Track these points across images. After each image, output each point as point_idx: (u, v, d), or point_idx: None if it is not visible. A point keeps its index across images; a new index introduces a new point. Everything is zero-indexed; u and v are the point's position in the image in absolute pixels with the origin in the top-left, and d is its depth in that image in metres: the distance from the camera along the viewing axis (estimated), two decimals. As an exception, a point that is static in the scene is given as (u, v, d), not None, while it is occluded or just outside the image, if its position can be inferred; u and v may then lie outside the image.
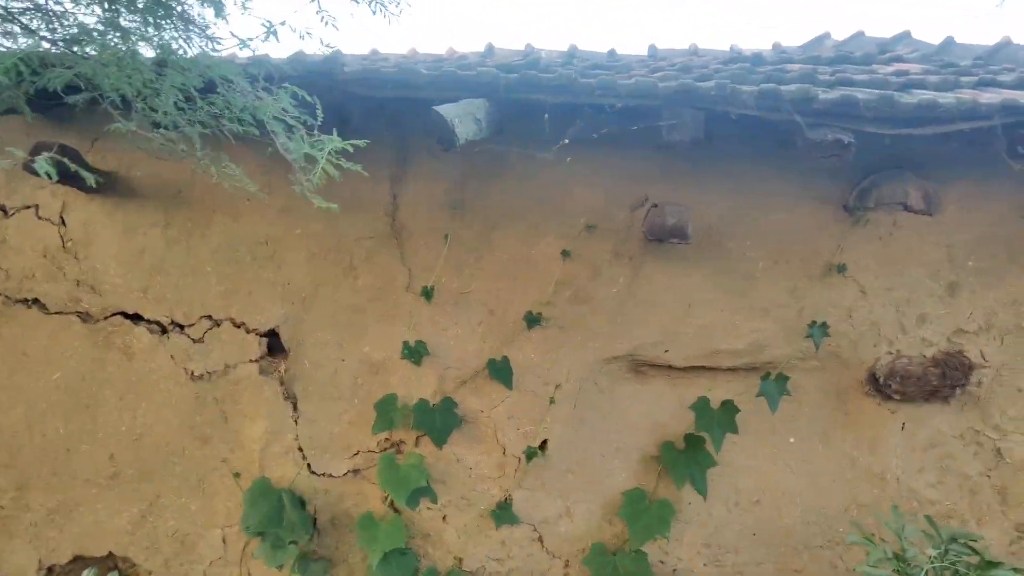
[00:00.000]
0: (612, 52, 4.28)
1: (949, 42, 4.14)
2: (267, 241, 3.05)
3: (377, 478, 2.90)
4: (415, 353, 2.97)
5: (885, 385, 3.01)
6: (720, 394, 3.15)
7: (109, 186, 2.98)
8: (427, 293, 2.99)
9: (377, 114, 2.97)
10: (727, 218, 3.05)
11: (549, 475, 3.09)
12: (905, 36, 4.30)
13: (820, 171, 3.00)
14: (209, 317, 3.03)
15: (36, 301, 3.02)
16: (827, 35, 4.72)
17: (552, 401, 3.04)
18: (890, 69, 3.16)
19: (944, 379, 2.94)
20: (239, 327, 3.03)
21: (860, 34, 4.58)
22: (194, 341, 3.01)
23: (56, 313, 3.02)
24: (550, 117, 2.57)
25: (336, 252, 3.05)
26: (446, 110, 2.18)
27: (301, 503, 2.97)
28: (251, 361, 3.01)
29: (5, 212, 3.03)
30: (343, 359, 3.06)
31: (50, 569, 3.16)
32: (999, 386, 3.01)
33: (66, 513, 3.09)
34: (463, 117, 2.24)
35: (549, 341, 3.10)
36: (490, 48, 3.93)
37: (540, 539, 3.11)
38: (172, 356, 3.00)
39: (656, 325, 3.11)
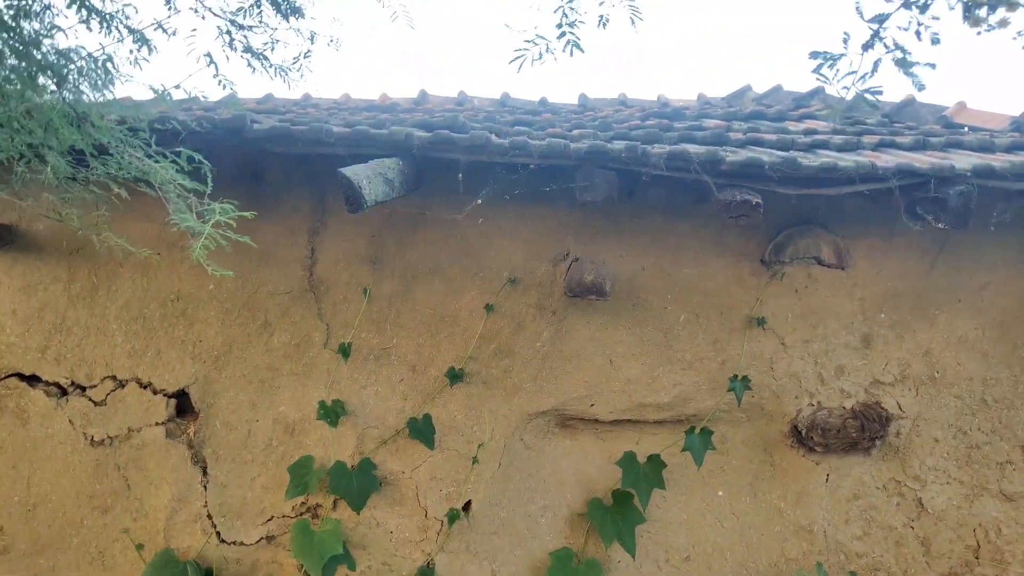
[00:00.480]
0: (543, 100, 4.36)
1: (858, 98, 4.34)
2: (178, 297, 2.93)
3: (291, 546, 2.76)
4: (331, 413, 2.87)
5: (807, 437, 3.02)
6: (648, 448, 3.12)
7: (8, 240, 2.85)
8: (344, 350, 2.91)
9: (295, 168, 2.93)
10: (648, 272, 3.07)
11: (473, 537, 2.99)
12: (819, 91, 4.49)
13: (732, 227, 3.05)
14: (113, 378, 2.88)
15: (-78, 363, 2.84)
16: (748, 87, 4.91)
17: (475, 461, 2.96)
18: (800, 127, 3.28)
19: (863, 431, 2.97)
20: (146, 388, 2.89)
21: (778, 88, 4.77)
22: (95, 404, 2.85)
23: (-58, 375, 2.83)
24: (468, 172, 2.56)
25: (250, 308, 2.96)
26: (353, 171, 2.14)
27: (208, 575, 2.79)
28: (157, 424, 2.87)
29: None
30: (257, 420, 2.94)
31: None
32: (917, 436, 3.06)
33: (-52, 594, 2.84)
34: (372, 177, 2.20)
35: (473, 398, 3.03)
36: (423, 95, 3.96)
37: (464, 606, 2.98)
38: (71, 420, 2.84)
39: (581, 379, 3.09)
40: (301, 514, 2.93)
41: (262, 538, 2.90)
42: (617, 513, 3.04)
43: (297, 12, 2.60)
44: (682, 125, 3.21)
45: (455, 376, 2.97)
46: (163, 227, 2.90)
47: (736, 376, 3.01)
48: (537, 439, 3.13)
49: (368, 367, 2.99)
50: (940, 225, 2.53)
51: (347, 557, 2.86)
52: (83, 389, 2.87)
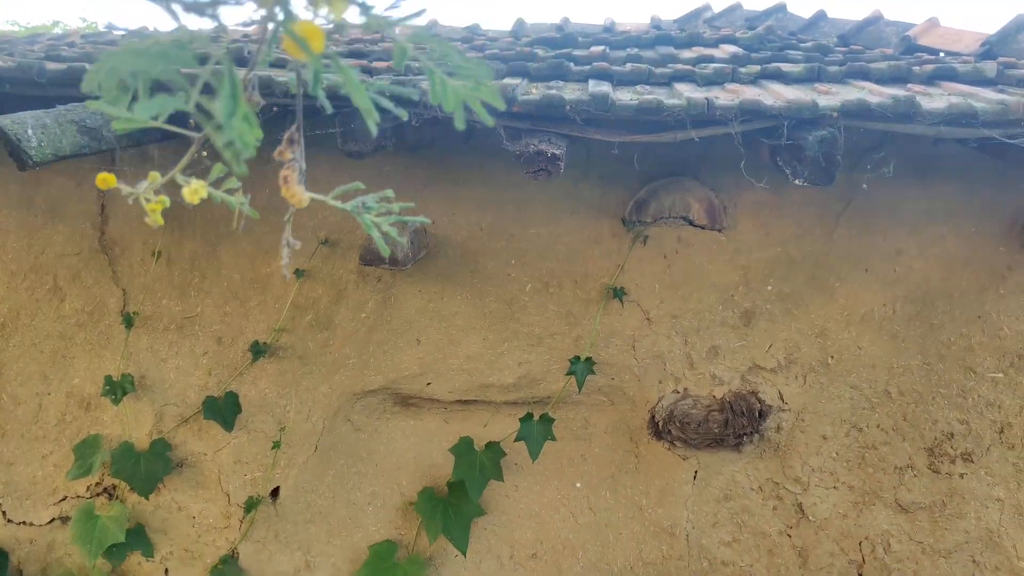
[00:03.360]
0: (473, 27, 3.81)
1: (820, 16, 3.65)
2: (-39, 258, 2.66)
3: (71, 531, 2.53)
4: (118, 388, 2.57)
5: (664, 430, 2.58)
6: (499, 431, 2.74)
7: None
8: (128, 320, 2.59)
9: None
10: (487, 232, 2.61)
11: (283, 526, 2.70)
12: (780, 9, 3.80)
13: (591, 178, 2.55)
14: None
15: None
16: (706, 7, 4.23)
17: (276, 445, 2.64)
18: (689, 54, 2.68)
19: (727, 427, 2.50)
20: (-77, 357, 2.66)
21: (737, 7, 4.09)
22: None
23: None
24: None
25: (37, 271, 2.66)
26: (17, 119, 1.75)
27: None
28: (-68, 397, 2.65)
29: None
30: (49, 393, 2.68)
31: None
32: (801, 432, 2.57)
33: None
34: (51, 126, 1.81)
35: (286, 374, 2.69)
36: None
37: (277, 598, 2.73)
38: None
39: (414, 355, 2.70)
40: (97, 494, 2.69)
41: (55, 519, 2.69)
42: (450, 505, 2.69)
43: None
44: (549, 55, 2.66)
45: (259, 351, 2.62)
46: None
47: (578, 357, 2.56)
48: (370, 419, 2.78)
49: (169, 338, 2.67)
50: (797, 180, 1.98)
51: (143, 543, 2.63)
52: None
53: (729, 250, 2.55)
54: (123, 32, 3.40)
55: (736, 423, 2.48)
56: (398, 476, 2.80)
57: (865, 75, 2.33)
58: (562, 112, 1.97)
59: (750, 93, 2.04)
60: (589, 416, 2.76)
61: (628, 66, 2.37)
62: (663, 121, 1.97)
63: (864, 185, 2.35)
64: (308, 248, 2.64)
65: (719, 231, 2.52)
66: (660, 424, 2.57)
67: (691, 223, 2.52)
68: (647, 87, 2.23)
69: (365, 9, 0.59)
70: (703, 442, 2.56)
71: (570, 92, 2.02)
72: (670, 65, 2.40)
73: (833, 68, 2.33)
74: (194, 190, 0.66)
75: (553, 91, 1.98)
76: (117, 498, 2.68)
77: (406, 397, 2.78)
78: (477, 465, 2.66)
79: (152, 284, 2.66)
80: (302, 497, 2.71)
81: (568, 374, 2.57)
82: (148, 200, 0.70)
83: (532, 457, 2.58)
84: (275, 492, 2.70)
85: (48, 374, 2.68)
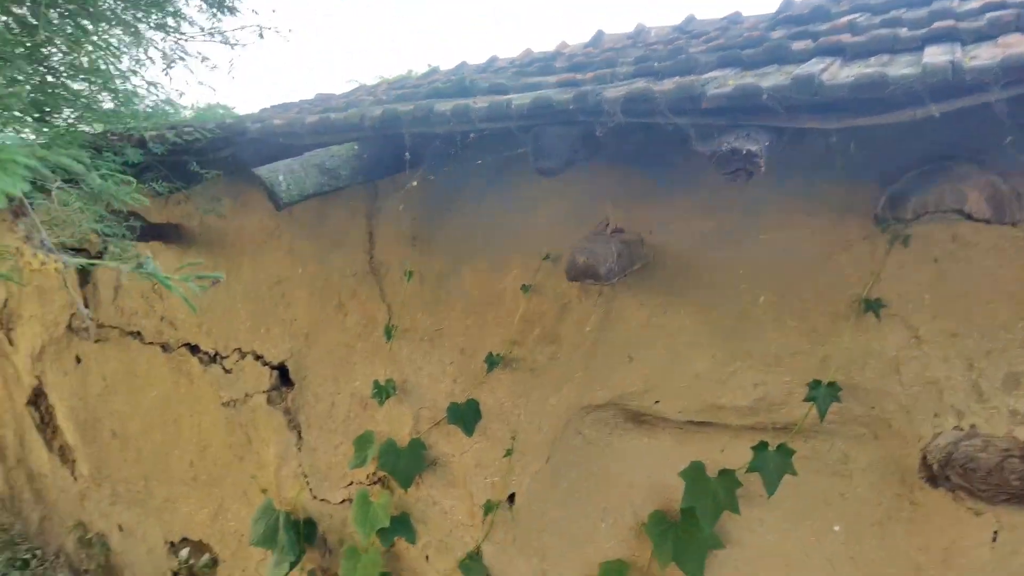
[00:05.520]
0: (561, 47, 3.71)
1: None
2: (279, 281, 3.30)
3: (351, 512, 2.97)
4: (383, 392, 2.95)
5: (941, 476, 2.07)
6: (739, 457, 2.50)
7: (175, 237, 3.54)
8: (388, 332, 2.94)
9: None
10: (710, 241, 2.38)
11: (519, 532, 2.81)
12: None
13: (832, 171, 2.15)
14: (239, 350, 3.41)
15: (138, 333, 3.75)
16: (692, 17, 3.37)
17: (508, 453, 2.75)
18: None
19: (1030, 480, 1.90)
20: (259, 359, 3.36)
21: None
22: (226, 371, 3.43)
23: (149, 343, 3.70)
24: (470, 142, 2.33)
25: (327, 291, 3.18)
26: (270, 169, 2.12)
27: (299, 525, 3.19)
28: (263, 392, 3.32)
29: (124, 260, 3.80)
30: (338, 393, 3.19)
31: (172, 544, 3.93)
32: None
33: (173, 503, 3.80)
34: (297, 171, 2.15)
35: (519, 384, 2.80)
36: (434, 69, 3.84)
37: (517, 598, 2.86)
38: (211, 383, 3.46)
39: (638, 372, 2.59)
40: (373, 483, 3.12)
41: (345, 500, 3.18)
42: (683, 532, 2.53)
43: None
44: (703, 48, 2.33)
45: (493, 362, 2.77)
46: (265, 217, 3.27)
47: (819, 382, 2.18)
48: (601, 434, 2.75)
49: (423, 348, 2.98)
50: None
51: (407, 529, 2.97)
52: (220, 357, 3.47)
53: (1029, 249, 1.95)
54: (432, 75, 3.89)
55: (1045, 477, 1.88)
56: (630, 494, 2.71)
57: None
58: (759, 102, 1.70)
59: (1005, 49, 1.52)
60: (848, 449, 2.34)
61: (865, 35, 1.94)
62: (892, 98, 1.58)
63: None
64: (533, 264, 2.71)
65: (1012, 225, 1.94)
66: (934, 467, 2.07)
67: (969, 217, 1.97)
68: (885, 56, 1.81)
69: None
70: (996, 496, 1.99)
71: (773, 78, 1.74)
72: (923, 28, 1.91)
73: None
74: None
75: (748, 80, 1.73)
76: (387, 488, 3.07)
77: (636, 413, 2.68)
78: (710, 493, 2.45)
79: (410, 300, 2.98)
80: (536, 506, 2.79)
81: (807, 400, 2.21)
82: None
83: (768, 492, 2.28)
84: (512, 498, 2.83)
85: (337, 377, 3.18)
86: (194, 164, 2.79)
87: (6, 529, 5.45)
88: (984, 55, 1.53)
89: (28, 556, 5.05)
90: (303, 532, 3.19)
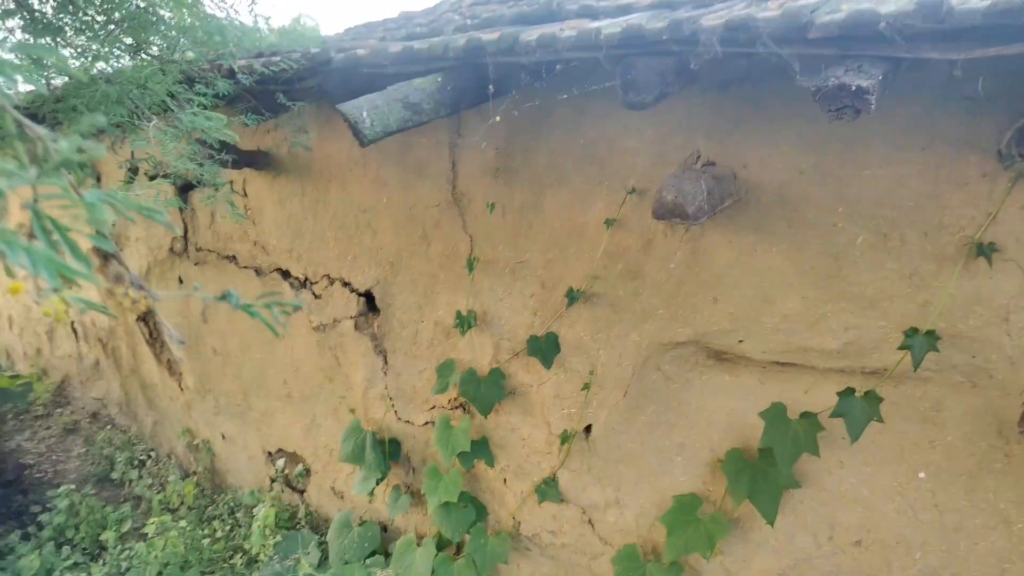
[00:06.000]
0: None
1: None
2: (366, 209, 3.37)
3: (434, 435, 3.11)
4: (465, 322, 3.02)
5: (1043, 431, 1.97)
6: (823, 399, 2.45)
7: (265, 163, 3.65)
8: (470, 264, 2.98)
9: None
10: (808, 177, 2.26)
11: (595, 462, 2.88)
12: None
13: (953, 102, 1.99)
14: (327, 276, 3.54)
15: (233, 257, 3.94)
16: None
17: (586, 387, 2.79)
18: None
19: None
20: (346, 286, 3.48)
21: None
22: (315, 296, 3.57)
23: (244, 267, 3.89)
24: (560, 70, 2.27)
25: (412, 221, 3.22)
26: (354, 105, 2.13)
27: (384, 444, 3.37)
28: (350, 318, 3.45)
29: (216, 188, 3.96)
30: (422, 320, 3.28)
31: (270, 453, 4.23)
32: None
33: (269, 417, 4.07)
34: (381, 107, 2.15)
35: (599, 320, 2.80)
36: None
37: (591, 523, 2.95)
38: (303, 308, 3.62)
39: (724, 310, 2.54)
40: (455, 408, 3.24)
41: (427, 422, 3.32)
42: (759, 471, 2.53)
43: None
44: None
45: (573, 297, 2.77)
46: (352, 146, 3.32)
47: (916, 329, 2.09)
48: (682, 371, 2.74)
49: (504, 280, 3.01)
50: None
51: (486, 453, 3.10)
52: (310, 283, 3.62)
53: None
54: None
55: None
56: (709, 431, 2.72)
57: None
58: (876, 31, 1.57)
59: None
60: (942, 397, 2.26)
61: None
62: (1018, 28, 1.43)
63: None
64: (617, 197, 2.66)
65: None
66: (1037, 422, 1.97)
67: (1108, 156, 1.79)
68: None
69: None
70: (1106, 456, 1.88)
71: (893, 2, 1.59)
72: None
73: None
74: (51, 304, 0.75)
75: (864, 6, 1.59)
76: (468, 413, 3.18)
77: (718, 352, 2.65)
78: (790, 435, 2.43)
79: (492, 232, 3.00)
80: (613, 437, 2.84)
81: (902, 348, 2.13)
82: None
83: (852, 438, 2.24)
84: (588, 429, 2.88)
85: (422, 305, 3.27)
86: (281, 96, 2.83)
87: (124, 431, 6.01)
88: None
89: (144, 457, 5.57)
90: (388, 451, 3.37)
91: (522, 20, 2.56)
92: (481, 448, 3.10)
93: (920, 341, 2.08)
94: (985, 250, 2.01)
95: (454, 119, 3.01)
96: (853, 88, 1.57)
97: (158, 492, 4.93)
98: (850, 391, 2.26)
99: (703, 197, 2.17)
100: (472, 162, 3.00)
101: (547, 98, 2.59)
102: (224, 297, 0.91)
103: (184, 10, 2.82)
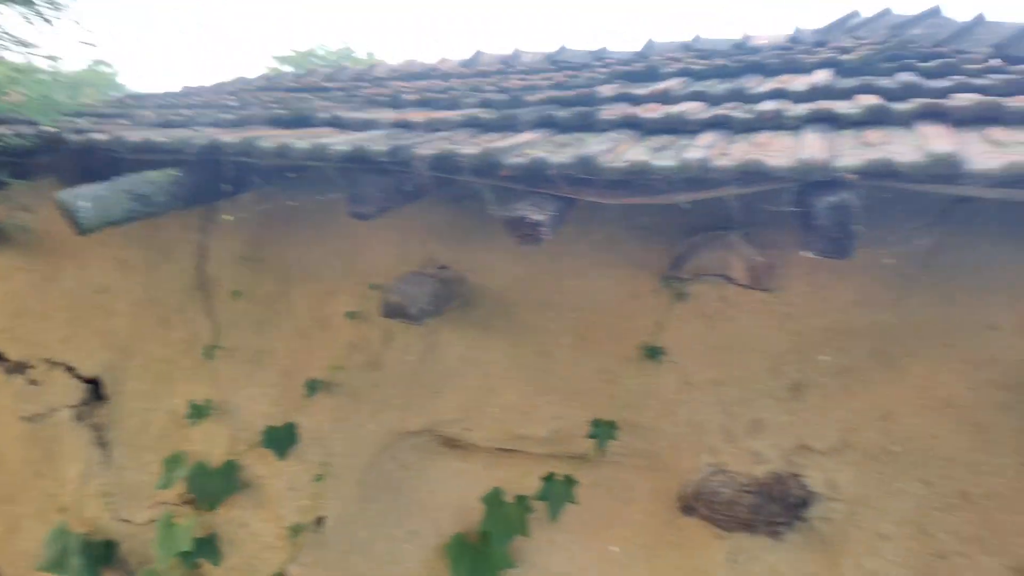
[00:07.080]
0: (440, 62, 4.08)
1: (977, 21, 3.18)
2: (103, 290, 3.19)
3: (155, 536, 2.90)
4: (199, 412, 2.92)
5: (693, 507, 2.37)
6: (536, 483, 2.69)
7: (-6, 235, 3.32)
8: (208, 353, 2.93)
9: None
10: (524, 284, 2.61)
11: (327, 554, 2.86)
12: (933, 13, 3.42)
13: (634, 229, 2.45)
14: (49, 361, 3.25)
15: (-69, 335, 3.45)
16: (855, 14, 3.93)
17: (319, 478, 2.82)
18: (763, 87, 2.48)
19: (757, 512, 2.24)
20: (70, 371, 3.21)
21: (886, 12, 3.74)
22: (32, 383, 3.24)
23: (-55, 347, 3.42)
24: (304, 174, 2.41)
25: (153, 304, 3.11)
26: (72, 194, 2.07)
27: (96, 547, 3.05)
28: (71, 407, 3.18)
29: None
30: (155, 410, 3.11)
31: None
32: (855, 527, 2.22)
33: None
34: (104, 197, 2.11)
35: (340, 409, 2.87)
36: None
37: (322, 620, 2.90)
38: (13, 395, 3.26)
39: (454, 401, 2.75)
40: (186, 503, 3.05)
41: (152, 520, 3.08)
42: (480, 553, 2.69)
43: None
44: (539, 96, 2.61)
45: (314, 387, 2.83)
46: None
47: (599, 421, 2.45)
48: (418, 459, 2.87)
49: (246, 369, 2.98)
50: (812, 253, 1.77)
51: (212, 552, 2.93)
52: (27, 368, 3.28)
53: (779, 314, 2.31)
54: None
55: (768, 509, 2.22)
56: (439, 517, 2.84)
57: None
58: (547, 176, 1.94)
59: (746, 152, 1.83)
60: (631, 479, 2.61)
61: (660, 111, 2.26)
62: (655, 183, 1.86)
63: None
64: (361, 292, 2.82)
65: (766, 291, 2.30)
66: (689, 499, 2.38)
67: (732, 282, 2.32)
68: (674, 136, 2.10)
69: None
70: (732, 525, 2.31)
71: (568, 151, 1.98)
72: (713, 109, 2.24)
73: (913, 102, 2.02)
74: None
75: (539, 154, 1.95)
76: (197, 509, 3.01)
77: (450, 439, 2.84)
78: (504, 518, 2.64)
79: (237, 319, 2.99)
80: (345, 528, 2.86)
81: (590, 436, 2.47)
82: None
83: (551, 517, 2.51)
84: (319, 520, 2.88)
85: (157, 393, 3.11)
86: (3, 172, 2.68)
87: None
88: (736, 153, 1.82)
89: None
90: (101, 555, 3.05)
91: (277, 122, 2.71)
92: (207, 546, 2.93)
93: (603, 430, 2.43)
94: (654, 352, 2.44)
95: (207, 206, 3.02)
96: (530, 220, 1.90)
97: None
98: (551, 476, 2.54)
99: (426, 300, 2.41)
100: (222, 249, 3.01)
101: (294, 196, 2.73)
102: None
103: None
